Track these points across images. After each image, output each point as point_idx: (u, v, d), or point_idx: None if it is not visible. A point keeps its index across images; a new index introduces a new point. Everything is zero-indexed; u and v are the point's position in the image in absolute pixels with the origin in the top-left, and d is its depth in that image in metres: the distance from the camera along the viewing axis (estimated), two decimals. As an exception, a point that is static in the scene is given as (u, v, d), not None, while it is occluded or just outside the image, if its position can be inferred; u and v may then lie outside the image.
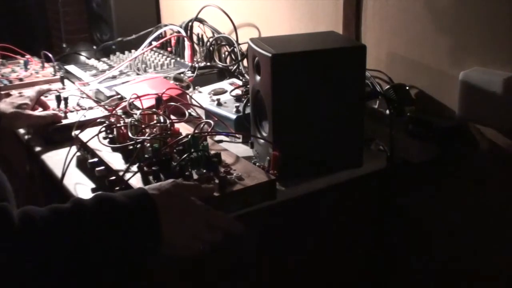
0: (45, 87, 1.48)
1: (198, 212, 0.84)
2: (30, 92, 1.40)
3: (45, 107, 1.40)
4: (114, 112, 1.24)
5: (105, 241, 0.75)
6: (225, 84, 1.54)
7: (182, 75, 1.63)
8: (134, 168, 1.02)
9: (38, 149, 1.30)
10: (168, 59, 1.79)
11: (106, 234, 0.75)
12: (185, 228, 0.82)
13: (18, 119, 1.31)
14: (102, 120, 1.23)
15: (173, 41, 1.87)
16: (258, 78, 1.08)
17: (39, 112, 1.35)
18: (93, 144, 1.13)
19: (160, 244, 0.79)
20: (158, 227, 0.78)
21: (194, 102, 1.39)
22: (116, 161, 1.07)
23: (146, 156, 1.04)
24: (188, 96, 1.41)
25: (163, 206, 0.80)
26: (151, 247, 0.79)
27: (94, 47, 2.16)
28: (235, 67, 1.70)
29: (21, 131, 1.41)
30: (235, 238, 0.88)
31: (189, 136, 1.05)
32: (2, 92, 1.57)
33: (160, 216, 0.79)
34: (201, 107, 1.34)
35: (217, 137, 1.21)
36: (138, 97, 1.27)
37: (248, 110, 1.22)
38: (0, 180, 0.90)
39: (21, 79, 1.66)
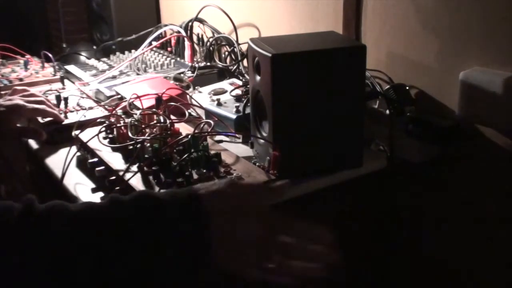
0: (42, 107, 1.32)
1: (264, 224, 0.64)
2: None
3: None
4: (114, 112, 1.24)
5: (139, 249, 0.62)
6: (225, 84, 1.54)
7: (182, 75, 1.63)
8: (134, 168, 1.02)
9: (38, 149, 1.30)
10: (168, 59, 1.79)
11: (144, 239, 0.62)
12: (241, 246, 0.63)
13: (13, 111, 1.24)
14: (102, 120, 1.23)
15: (173, 41, 1.87)
16: (258, 78, 1.08)
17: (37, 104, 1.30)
18: (93, 144, 1.13)
19: (210, 253, 0.62)
20: (209, 238, 0.62)
21: (194, 102, 1.39)
22: (116, 161, 1.07)
23: (146, 156, 1.04)
24: (188, 96, 1.41)
25: (215, 212, 0.63)
26: (200, 257, 0.63)
27: (94, 47, 2.16)
28: (235, 67, 1.70)
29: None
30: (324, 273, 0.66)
31: (189, 136, 1.05)
32: (2, 92, 1.57)
33: (211, 223, 0.62)
34: (201, 107, 1.34)
35: (217, 137, 1.21)
36: (138, 97, 1.27)
37: (248, 110, 1.22)
38: None
39: (21, 79, 1.66)
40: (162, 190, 0.63)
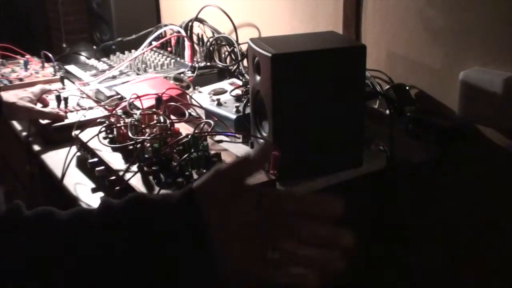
0: (47, 86, 1.50)
1: (249, 201, 0.56)
2: (34, 88, 1.42)
3: (45, 104, 1.41)
4: (114, 112, 1.24)
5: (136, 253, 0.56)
6: (225, 84, 1.54)
7: (182, 75, 1.63)
8: (134, 168, 1.02)
9: (38, 149, 1.30)
10: (168, 59, 1.79)
11: (138, 244, 0.56)
12: (240, 236, 0.55)
13: (19, 110, 1.31)
14: (102, 120, 1.23)
15: (173, 41, 1.87)
16: (258, 78, 1.08)
17: (41, 107, 1.37)
18: (93, 144, 1.13)
19: (210, 252, 0.55)
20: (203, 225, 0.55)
21: (194, 102, 1.39)
22: (116, 161, 1.07)
23: (146, 156, 1.04)
24: (188, 96, 1.41)
25: (208, 205, 0.57)
26: (198, 258, 0.55)
27: (94, 47, 2.16)
28: (235, 67, 1.70)
29: (20, 128, 1.41)
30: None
31: (189, 136, 1.05)
32: (2, 92, 1.57)
33: (207, 216, 0.56)
34: (201, 107, 1.34)
35: (217, 137, 1.21)
36: (138, 97, 1.27)
37: (248, 110, 1.22)
38: None
39: (21, 79, 1.66)
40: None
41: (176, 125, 1.17)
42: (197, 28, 1.88)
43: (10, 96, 1.34)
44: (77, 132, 1.19)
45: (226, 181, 0.58)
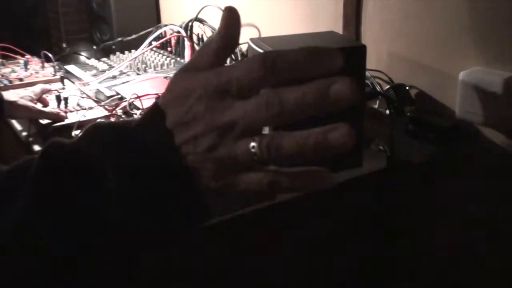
0: (48, 86, 1.50)
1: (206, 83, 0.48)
2: (35, 88, 1.43)
3: (45, 104, 1.41)
4: (114, 112, 1.24)
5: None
6: (225, 84, 1.54)
7: (182, 75, 1.62)
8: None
9: (38, 149, 1.30)
10: (168, 59, 1.79)
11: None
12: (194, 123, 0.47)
13: (20, 109, 1.32)
14: (102, 120, 1.23)
15: (173, 41, 1.87)
16: (258, 78, 1.08)
17: (41, 107, 1.37)
18: (93, 144, 1.13)
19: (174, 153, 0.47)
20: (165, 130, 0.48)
21: (194, 102, 1.39)
22: (116, 161, 1.07)
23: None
24: (188, 96, 1.40)
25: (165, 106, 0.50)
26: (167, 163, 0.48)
27: (94, 47, 2.16)
28: (235, 67, 1.70)
29: (20, 128, 1.41)
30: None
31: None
32: (2, 92, 1.57)
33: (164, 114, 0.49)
34: (201, 107, 1.34)
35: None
36: (138, 97, 1.27)
37: (248, 110, 1.22)
38: None
39: (21, 79, 1.66)
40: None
41: (176, 125, 1.17)
42: (197, 28, 1.88)
43: (11, 94, 1.34)
44: (77, 132, 1.19)
45: (191, 75, 0.50)
